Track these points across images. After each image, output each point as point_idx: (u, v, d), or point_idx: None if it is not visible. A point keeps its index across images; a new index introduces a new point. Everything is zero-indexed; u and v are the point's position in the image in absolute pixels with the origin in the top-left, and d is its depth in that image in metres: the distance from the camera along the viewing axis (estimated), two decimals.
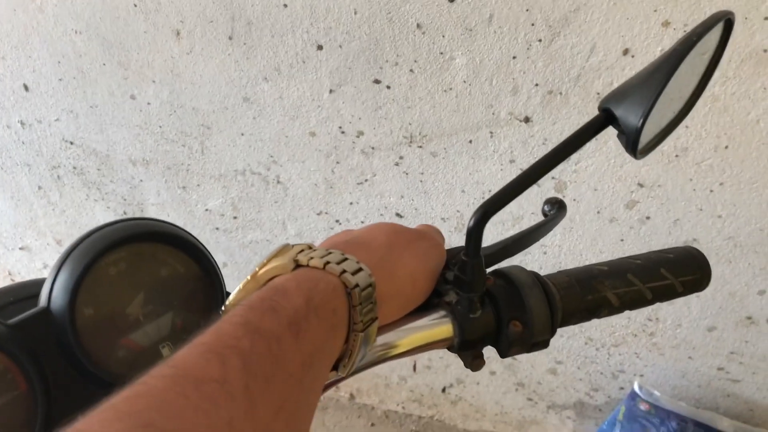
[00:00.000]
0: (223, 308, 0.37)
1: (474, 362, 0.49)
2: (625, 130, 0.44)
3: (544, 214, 0.65)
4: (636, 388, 1.41)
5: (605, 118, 0.45)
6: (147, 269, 0.53)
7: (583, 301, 0.50)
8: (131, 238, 0.52)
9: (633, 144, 0.44)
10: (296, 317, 0.32)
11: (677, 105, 0.51)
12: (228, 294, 0.56)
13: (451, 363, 1.63)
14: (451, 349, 0.49)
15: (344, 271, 0.38)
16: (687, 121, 1.04)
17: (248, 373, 0.27)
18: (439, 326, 0.47)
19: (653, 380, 1.45)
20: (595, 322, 1.34)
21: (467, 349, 0.49)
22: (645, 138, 0.46)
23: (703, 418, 1.33)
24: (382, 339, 0.46)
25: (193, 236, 0.55)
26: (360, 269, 0.39)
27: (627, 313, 1.36)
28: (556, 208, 0.64)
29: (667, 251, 0.57)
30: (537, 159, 0.45)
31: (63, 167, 1.52)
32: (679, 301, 1.28)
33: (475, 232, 0.45)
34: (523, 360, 1.52)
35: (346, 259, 0.39)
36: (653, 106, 0.42)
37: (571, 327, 1.39)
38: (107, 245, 0.50)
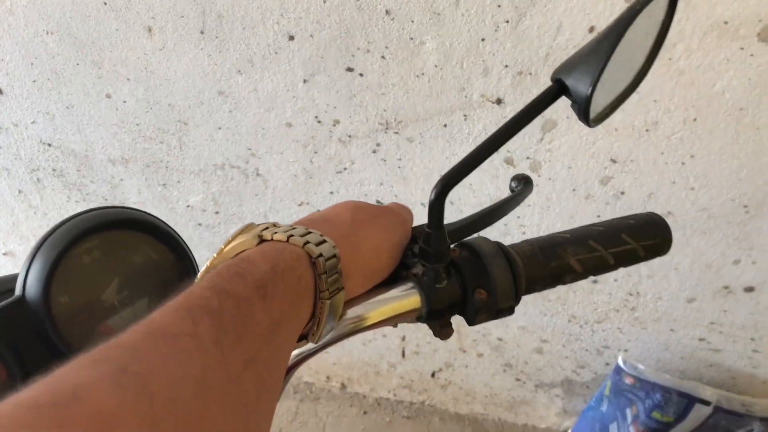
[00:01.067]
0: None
1: (442, 331, 0.51)
2: (577, 99, 0.45)
3: (512, 190, 0.67)
4: (620, 362, 1.43)
5: (557, 88, 0.46)
6: (120, 256, 0.54)
7: (546, 268, 0.52)
8: (103, 226, 0.52)
9: (584, 112, 0.45)
10: (263, 281, 0.34)
11: (629, 73, 0.52)
12: None
13: (439, 347, 1.65)
14: (419, 319, 0.50)
15: (307, 243, 0.39)
16: (655, 95, 1.07)
17: (219, 329, 0.29)
18: (407, 297, 0.49)
19: (637, 354, 1.48)
20: (577, 299, 1.36)
21: (435, 319, 0.50)
22: (597, 106, 0.47)
23: (687, 388, 1.35)
24: (351, 312, 0.47)
25: (164, 222, 0.56)
26: (323, 241, 0.41)
27: (608, 288, 1.39)
28: (522, 184, 0.66)
29: (629, 218, 0.58)
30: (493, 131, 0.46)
31: (42, 170, 1.52)
32: (659, 275, 1.30)
33: (436, 205, 0.46)
34: (509, 341, 1.54)
35: (309, 232, 0.41)
36: (601, 75, 0.43)
37: (555, 306, 1.41)
38: (79, 234, 0.51)
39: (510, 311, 0.50)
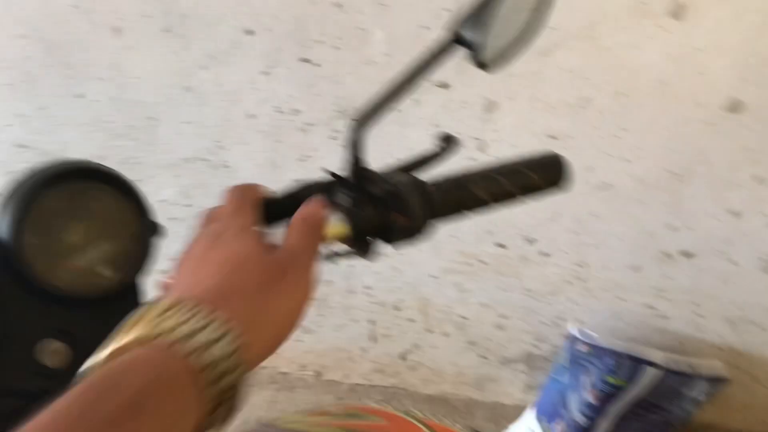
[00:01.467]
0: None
1: (367, 252, 0.59)
2: (471, 46, 0.53)
3: (437, 148, 0.75)
4: (574, 331, 1.51)
5: (453, 38, 0.54)
6: (84, 203, 0.61)
7: (456, 195, 0.60)
8: (67, 175, 0.59)
9: (478, 57, 0.53)
10: (136, 398, 0.32)
11: (521, 19, 0.60)
12: (157, 224, 0.65)
13: (407, 330, 1.72)
14: (347, 242, 0.58)
15: (195, 351, 0.35)
16: (586, 73, 1.16)
17: None
18: (334, 224, 0.57)
19: (592, 325, 1.56)
20: (530, 272, 1.44)
21: (361, 241, 0.58)
22: (491, 52, 0.55)
23: (637, 351, 1.43)
24: None
25: (122, 174, 0.63)
26: (223, 335, 0.36)
27: (556, 259, 1.46)
28: (446, 141, 0.74)
29: (532, 155, 0.67)
30: (399, 75, 0.54)
31: (18, 173, 1.57)
32: (603, 245, 1.39)
33: (352, 140, 0.54)
34: (472, 318, 1.62)
35: (208, 324, 0.36)
36: (490, 20, 0.52)
37: (510, 280, 1.49)
38: (47, 181, 0.58)
39: (424, 233, 0.58)
